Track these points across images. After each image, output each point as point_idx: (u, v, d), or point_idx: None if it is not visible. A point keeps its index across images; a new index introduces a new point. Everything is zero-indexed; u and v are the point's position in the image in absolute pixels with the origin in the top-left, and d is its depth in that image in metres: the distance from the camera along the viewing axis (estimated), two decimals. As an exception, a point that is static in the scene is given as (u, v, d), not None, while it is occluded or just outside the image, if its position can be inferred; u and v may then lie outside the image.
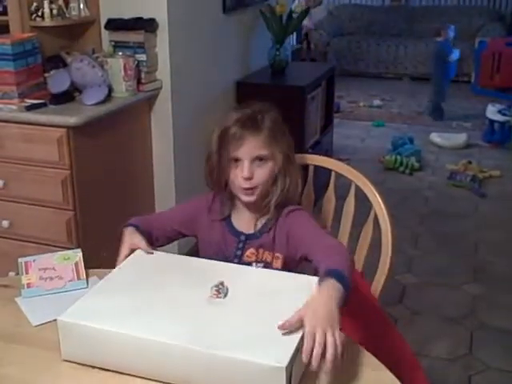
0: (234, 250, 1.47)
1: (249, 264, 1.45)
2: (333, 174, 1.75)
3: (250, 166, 1.42)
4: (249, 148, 1.41)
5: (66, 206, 2.30)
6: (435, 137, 5.02)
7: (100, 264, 1.52)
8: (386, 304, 2.76)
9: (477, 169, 4.37)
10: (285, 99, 3.42)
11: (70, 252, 1.52)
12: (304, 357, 1.03)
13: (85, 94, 2.41)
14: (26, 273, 1.47)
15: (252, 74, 3.69)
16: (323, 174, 1.86)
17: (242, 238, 1.49)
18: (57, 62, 2.53)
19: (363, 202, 1.67)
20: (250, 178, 1.42)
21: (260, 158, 1.42)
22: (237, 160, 1.43)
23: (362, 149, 4.95)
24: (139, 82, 2.58)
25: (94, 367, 1.15)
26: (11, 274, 2.20)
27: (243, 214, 1.51)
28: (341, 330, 1.10)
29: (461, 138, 4.96)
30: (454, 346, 2.50)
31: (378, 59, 7.39)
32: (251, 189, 1.43)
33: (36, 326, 1.30)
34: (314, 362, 1.03)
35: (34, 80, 2.41)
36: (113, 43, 2.61)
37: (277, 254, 1.44)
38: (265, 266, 1.44)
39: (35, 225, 2.37)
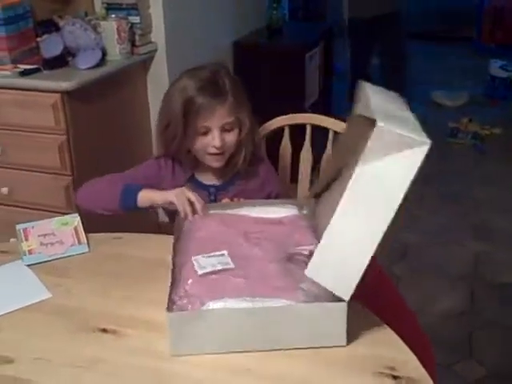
0: (207, 202, 1.47)
1: None
2: (331, 132, 1.72)
3: (220, 134, 1.46)
4: (218, 118, 1.45)
5: (64, 172, 2.29)
6: (436, 94, 4.97)
7: (98, 228, 1.52)
8: (389, 262, 2.77)
9: (478, 126, 4.34)
10: (283, 59, 3.38)
11: (67, 217, 1.52)
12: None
13: (78, 58, 2.36)
14: (26, 239, 1.47)
15: (249, 34, 3.62)
16: (323, 133, 1.83)
17: (212, 190, 1.54)
18: (49, 26, 2.48)
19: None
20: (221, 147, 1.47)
21: (228, 125, 1.47)
22: (205, 128, 1.46)
23: (363, 108, 4.89)
24: (133, 44, 2.53)
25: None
26: (12, 240, 2.19)
27: (208, 170, 1.55)
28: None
29: (462, 96, 4.90)
30: (456, 303, 2.52)
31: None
32: (220, 154, 1.48)
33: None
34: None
35: (27, 45, 2.36)
36: (105, 5, 2.55)
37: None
38: None
39: (34, 191, 2.36)
